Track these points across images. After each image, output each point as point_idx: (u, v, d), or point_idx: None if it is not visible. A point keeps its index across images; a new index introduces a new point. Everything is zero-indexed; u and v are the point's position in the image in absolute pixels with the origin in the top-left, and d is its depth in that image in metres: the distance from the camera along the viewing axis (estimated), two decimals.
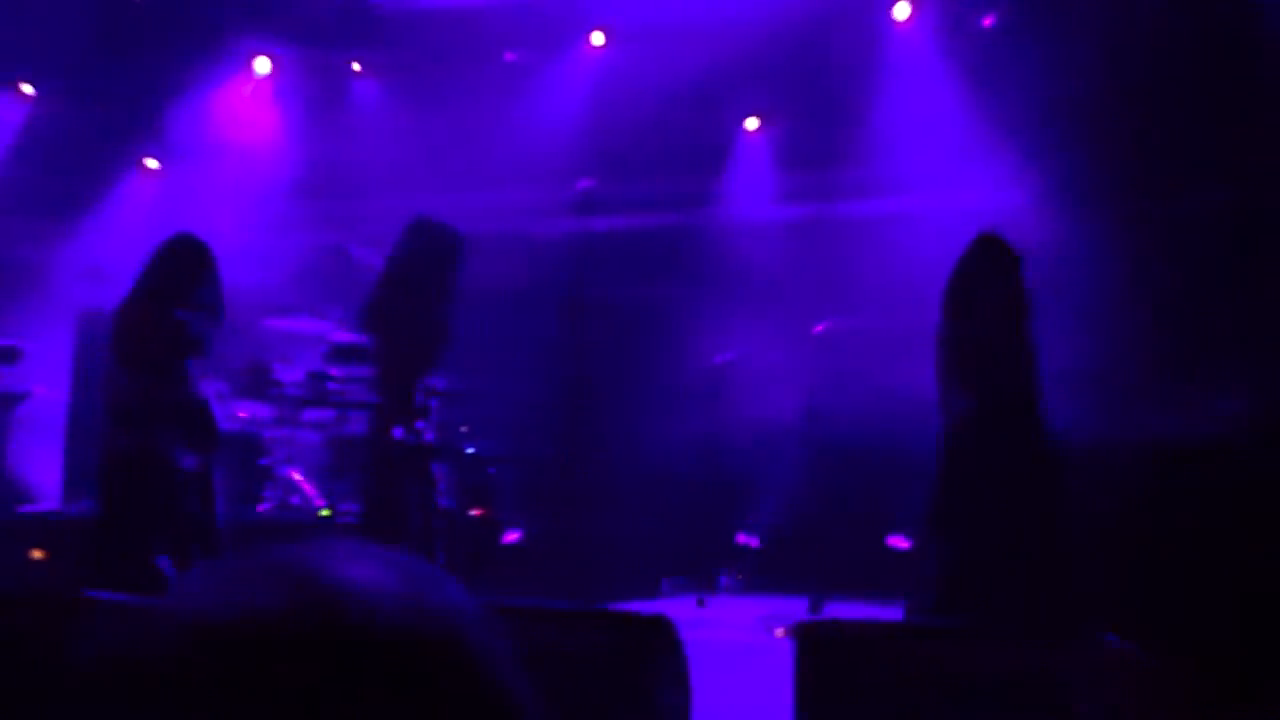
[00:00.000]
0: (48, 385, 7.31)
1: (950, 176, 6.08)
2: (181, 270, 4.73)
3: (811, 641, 2.46)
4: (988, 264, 4.19)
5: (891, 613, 4.64)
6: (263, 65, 7.36)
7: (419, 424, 4.82)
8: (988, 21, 6.26)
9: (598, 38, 6.90)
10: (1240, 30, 5.62)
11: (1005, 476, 3.96)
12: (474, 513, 5.92)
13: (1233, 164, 5.57)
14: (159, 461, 4.48)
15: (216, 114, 7.25)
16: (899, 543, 5.89)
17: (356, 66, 7.37)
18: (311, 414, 6.46)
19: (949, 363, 4.23)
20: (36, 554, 5.49)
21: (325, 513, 6.13)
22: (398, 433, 4.76)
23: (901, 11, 6.48)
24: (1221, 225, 5.40)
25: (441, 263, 4.96)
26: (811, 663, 2.41)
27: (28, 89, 7.38)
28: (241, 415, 6.25)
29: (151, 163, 7.55)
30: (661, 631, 2.60)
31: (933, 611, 3.97)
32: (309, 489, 6.32)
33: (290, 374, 6.41)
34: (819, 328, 5.96)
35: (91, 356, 7.27)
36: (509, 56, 6.96)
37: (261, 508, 6.17)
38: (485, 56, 6.91)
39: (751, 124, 6.85)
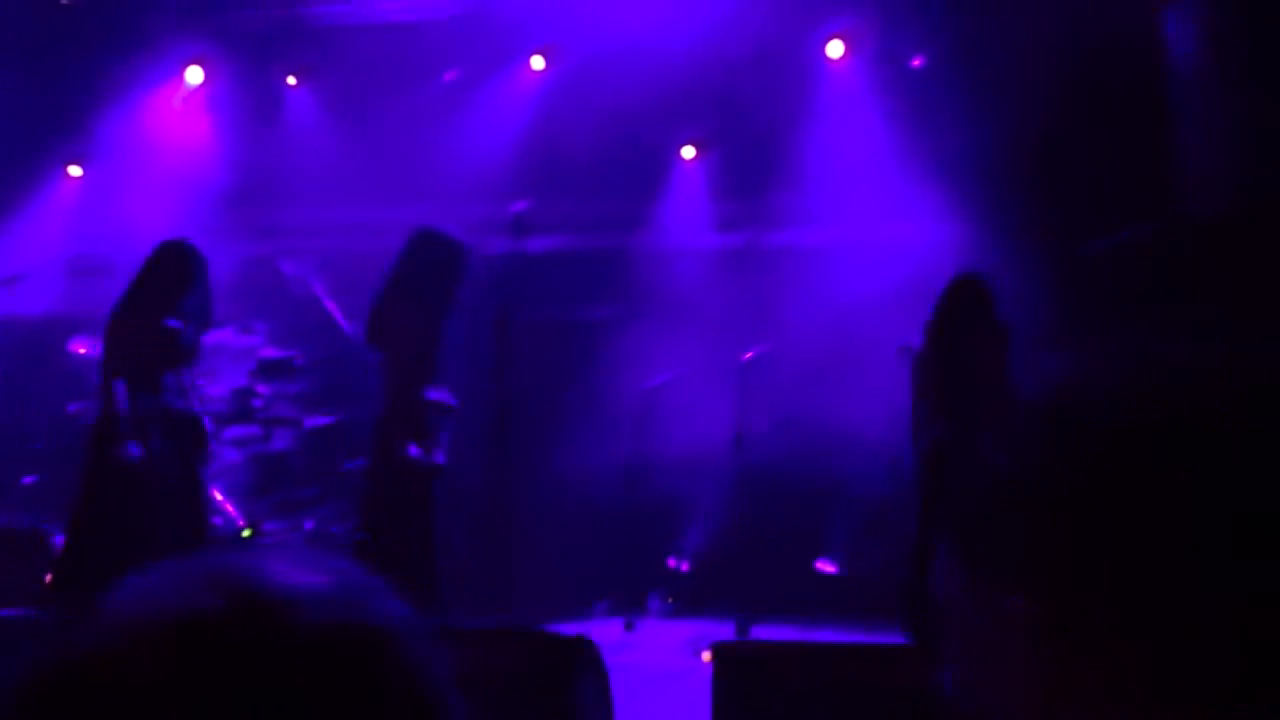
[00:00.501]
0: None
1: (881, 210, 6.24)
2: (170, 279, 4.65)
3: (730, 661, 2.49)
4: (970, 299, 4.35)
5: (820, 636, 4.69)
6: (195, 74, 7.24)
7: (428, 442, 4.72)
8: (917, 62, 6.46)
9: (538, 62, 6.93)
10: (1154, 73, 5.88)
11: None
12: None
13: (1152, 200, 5.80)
14: (151, 473, 4.39)
15: (146, 122, 7.11)
16: (827, 567, 5.97)
17: (292, 80, 7.29)
18: (234, 431, 6.33)
19: (929, 390, 4.36)
20: None
21: (247, 533, 6.00)
22: (413, 451, 4.64)
23: (835, 50, 6.65)
24: (1142, 258, 5.61)
25: (446, 274, 4.89)
26: (729, 683, 2.44)
27: None
28: None
29: (75, 170, 7.36)
30: (584, 652, 2.61)
31: (932, 638, 4.02)
32: (230, 508, 6.18)
33: (213, 389, 6.28)
34: (748, 355, 6.04)
35: (7, 365, 7.03)
36: (447, 76, 6.96)
37: None
38: (422, 74, 6.89)
39: (688, 153, 6.94)
